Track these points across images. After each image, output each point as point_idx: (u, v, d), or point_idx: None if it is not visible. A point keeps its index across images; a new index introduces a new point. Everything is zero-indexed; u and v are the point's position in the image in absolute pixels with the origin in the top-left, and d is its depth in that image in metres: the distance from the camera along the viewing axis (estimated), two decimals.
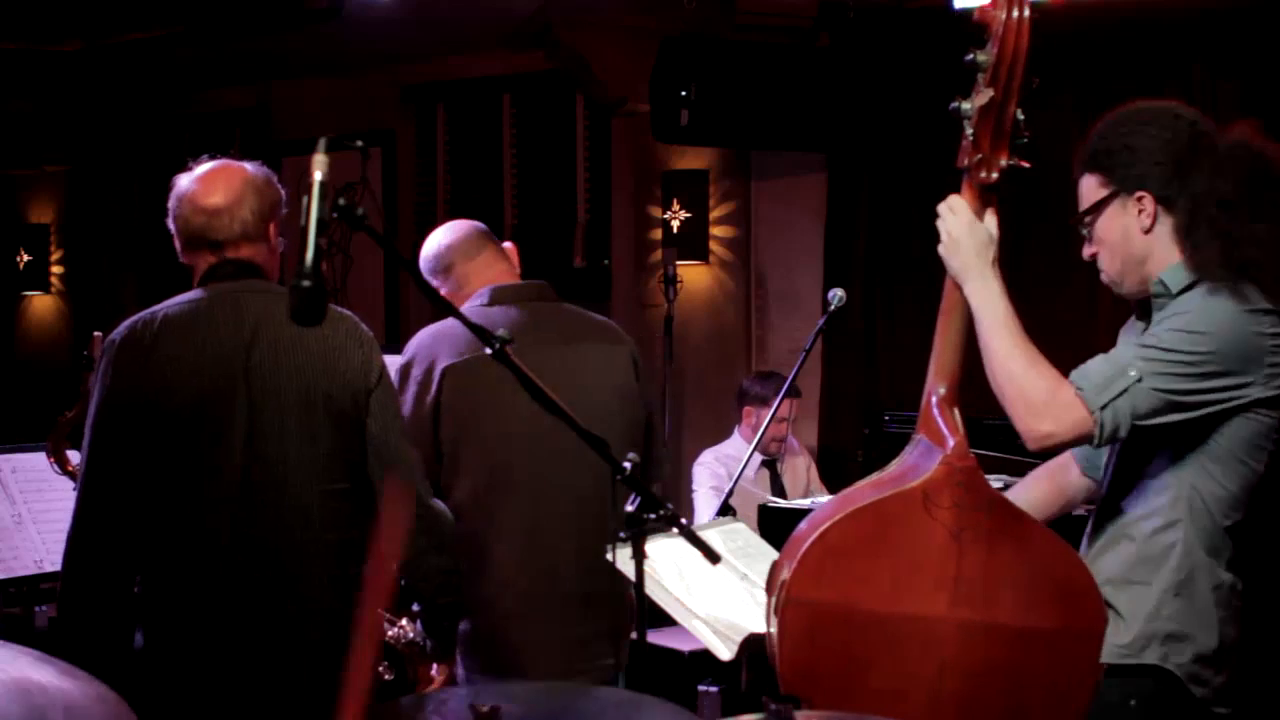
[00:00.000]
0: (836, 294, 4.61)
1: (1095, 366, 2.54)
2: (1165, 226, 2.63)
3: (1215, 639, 2.59)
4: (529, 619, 3.52)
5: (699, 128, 6.74)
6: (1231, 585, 2.63)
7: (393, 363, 3.57)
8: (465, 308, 3.56)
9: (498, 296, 3.61)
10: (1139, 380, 2.49)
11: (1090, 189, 2.71)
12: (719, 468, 6.00)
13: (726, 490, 5.79)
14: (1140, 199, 2.64)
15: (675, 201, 7.40)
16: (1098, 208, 2.69)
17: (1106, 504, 2.73)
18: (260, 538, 2.89)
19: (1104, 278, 2.73)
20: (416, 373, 3.54)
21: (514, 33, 7.52)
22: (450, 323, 3.50)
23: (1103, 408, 2.49)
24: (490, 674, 3.49)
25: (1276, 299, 2.56)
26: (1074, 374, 2.55)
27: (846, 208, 7.19)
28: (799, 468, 6.34)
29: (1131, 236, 2.66)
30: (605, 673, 3.56)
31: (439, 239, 3.76)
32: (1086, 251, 2.75)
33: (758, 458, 6.12)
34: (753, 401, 6.16)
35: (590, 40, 7.37)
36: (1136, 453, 2.66)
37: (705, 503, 5.95)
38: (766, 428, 5.08)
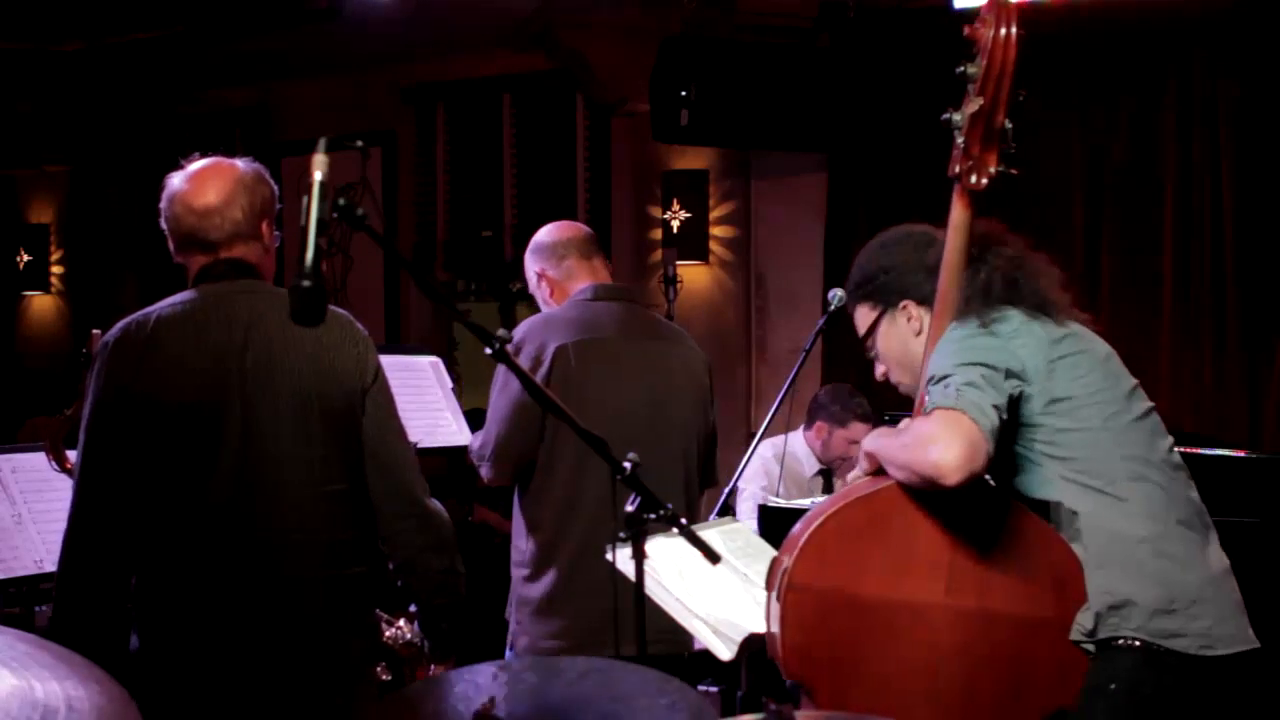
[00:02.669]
0: (836, 294, 4.59)
1: (935, 397, 2.59)
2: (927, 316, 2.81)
3: (1164, 589, 2.59)
4: (609, 593, 3.56)
5: (699, 128, 6.74)
6: (1161, 534, 2.63)
7: (391, 362, 3.58)
8: (572, 300, 3.94)
9: (600, 293, 3.94)
10: (957, 381, 2.55)
11: (863, 317, 2.98)
12: (774, 465, 5.95)
13: (775, 480, 5.81)
14: (905, 307, 2.88)
15: (675, 201, 7.40)
16: (873, 329, 2.95)
17: None
18: (256, 539, 2.89)
19: (901, 390, 2.93)
20: (528, 351, 3.79)
21: (514, 33, 7.52)
22: (560, 310, 3.92)
23: (958, 401, 2.51)
24: (561, 640, 3.70)
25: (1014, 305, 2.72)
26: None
27: (846, 208, 7.19)
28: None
29: (908, 342, 2.89)
30: (683, 648, 3.64)
31: (563, 231, 4.07)
32: (878, 372, 2.97)
33: (815, 462, 6.12)
34: (828, 418, 6.09)
35: (590, 40, 7.37)
36: (1002, 477, 2.72)
37: (750, 500, 5.90)
38: (773, 417, 5.02)
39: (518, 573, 3.84)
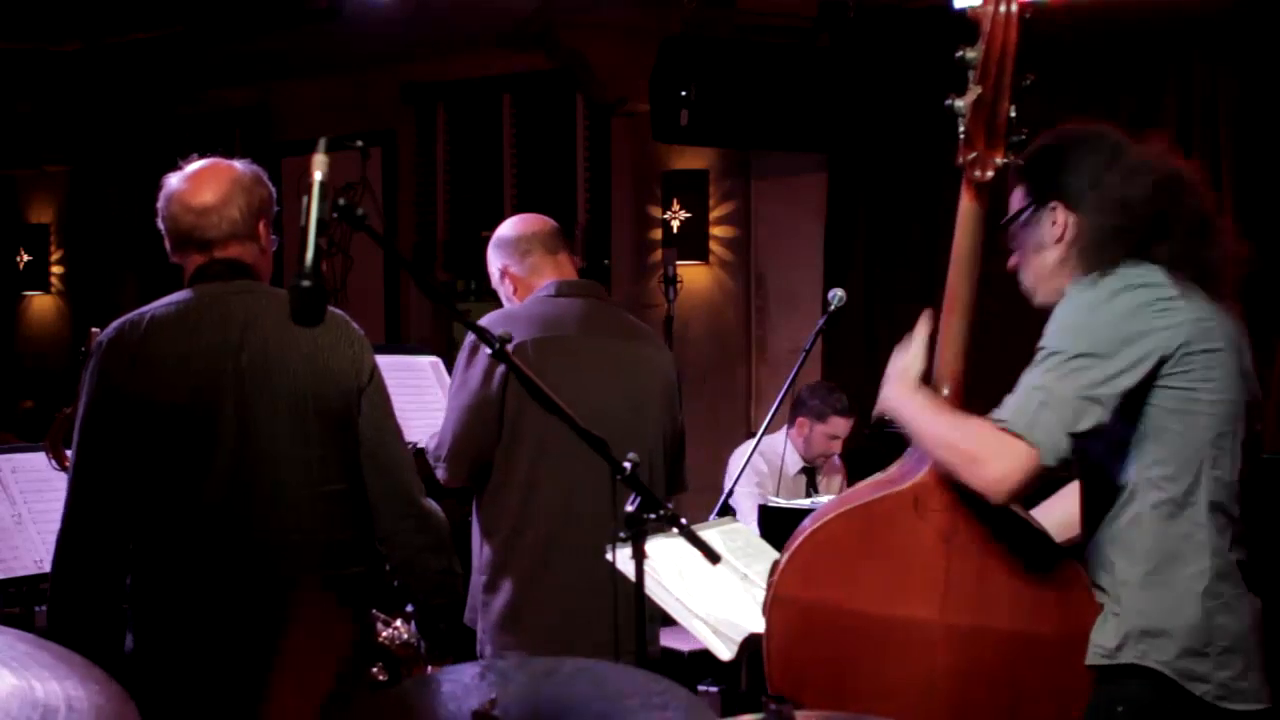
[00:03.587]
0: (836, 294, 4.60)
1: (1008, 399, 2.49)
2: (1077, 237, 2.62)
3: (1204, 631, 2.46)
4: (578, 601, 3.54)
5: (699, 128, 6.74)
6: (1219, 571, 2.49)
7: (391, 362, 3.57)
8: (534, 296, 3.79)
9: (563, 289, 3.80)
10: (1048, 391, 2.44)
11: (1016, 200, 2.71)
12: (760, 463, 5.97)
13: (770, 487, 5.82)
14: (1054, 209, 2.63)
15: (675, 201, 7.40)
16: (1016, 217, 2.69)
17: (1085, 508, 2.68)
18: (253, 539, 2.88)
19: (1022, 287, 2.73)
20: (486, 348, 3.60)
21: (514, 33, 7.53)
22: (522, 307, 3.78)
23: (1032, 429, 2.41)
24: (525, 651, 3.57)
25: (1182, 280, 2.55)
26: (993, 414, 2.49)
27: (846, 208, 7.19)
28: (834, 485, 6.32)
29: (1044, 246, 2.66)
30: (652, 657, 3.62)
31: (527, 225, 3.93)
32: (1011, 262, 2.74)
33: (800, 461, 6.15)
34: (808, 413, 6.13)
35: (590, 40, 7.37)
36: (1087, 454, 2.59)
37: (746, 499, 5.90)
38: (773, 417, 5.03)
39: (477, 579, 3.69)
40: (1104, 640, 2.50)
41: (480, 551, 3.69)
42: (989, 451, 2.42)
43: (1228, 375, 2.54)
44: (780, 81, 6.74)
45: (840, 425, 6.08)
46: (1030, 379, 2.48)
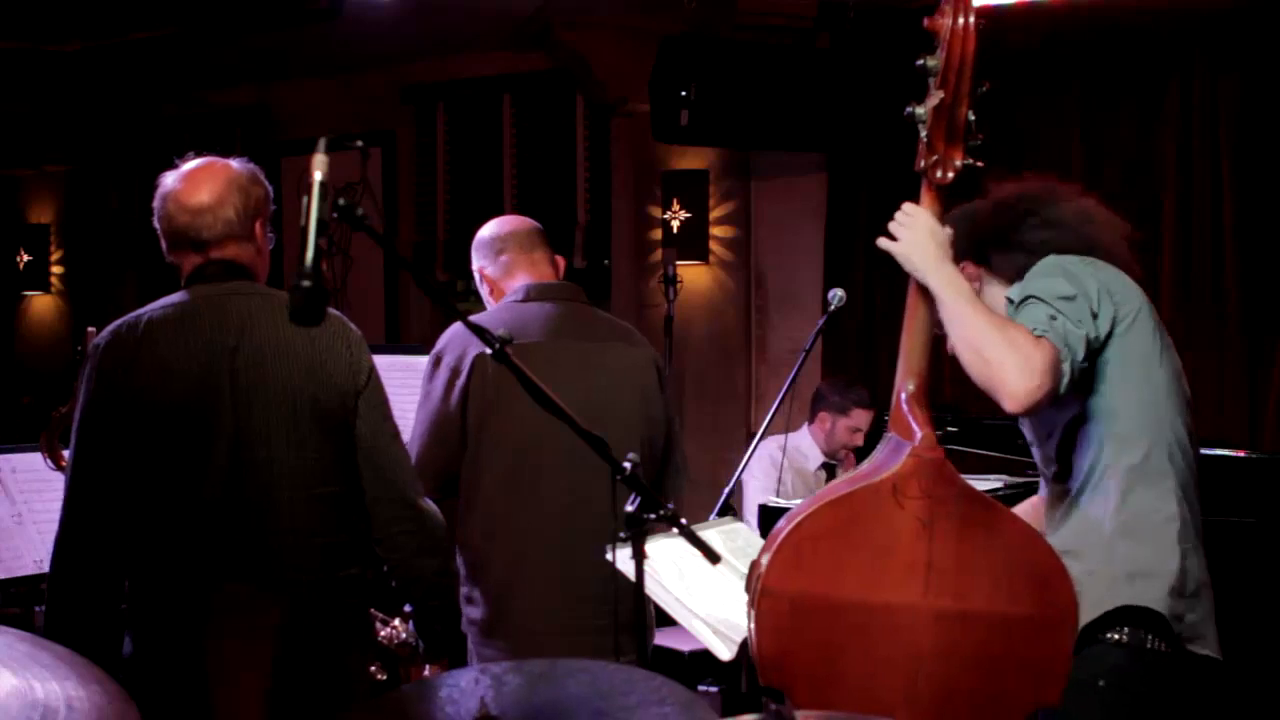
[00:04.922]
0: (836, 294, 4.60)
1: (1028, 317, 2.65)
2: (990, 281, 2.94)
3: (1178, 570, 2.69)
4: (553, 607, 3.53)
5: (699, 128, 6.74)
6: (1184, 519, 2.72)
7: (391, 362, 3.57)
8: (502, 301, 3.74)
9: (532, 294, 3.72)
10: (1063, 323, 2.63)
11: None
12: (779, 454, 6.00)
13: (776, 479, 5.84)
14: (963, 268, 2.86)
15: (675, 201, 7.40)
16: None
17: (1050, 486, 2.86)
18: (250, 542, 2.87)
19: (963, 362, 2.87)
20: (449, 360, 3.61)
21: (514, 33, 7.53)
22: (487, 314, 3.70)
23: (1066, 346, 2.60)
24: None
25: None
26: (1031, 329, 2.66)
27: (846, 208, 7.20)
28: None
29: None
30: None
31: (503, 225, 3.89)
32: (949, 346, 2.88)
33: (820, 456, 6.21)
34: (830, 408, 6.18)
35: (590, 40, 7.37)
36: (1048, 430, 2.80)
37: (761, 483, 5.93)
38: (773, 417, 5.02)
39: (461, 589, 3.63)
40: (1099, 595, 2.65)
41: (459, 560, 3.63)
42: (1022, 355, 2.56)
43: (1159, 336, 2.79)
44: (780, 81, 6.75)
45: (862, 418, 6.16)
46: (1042, 312, 2.65)
